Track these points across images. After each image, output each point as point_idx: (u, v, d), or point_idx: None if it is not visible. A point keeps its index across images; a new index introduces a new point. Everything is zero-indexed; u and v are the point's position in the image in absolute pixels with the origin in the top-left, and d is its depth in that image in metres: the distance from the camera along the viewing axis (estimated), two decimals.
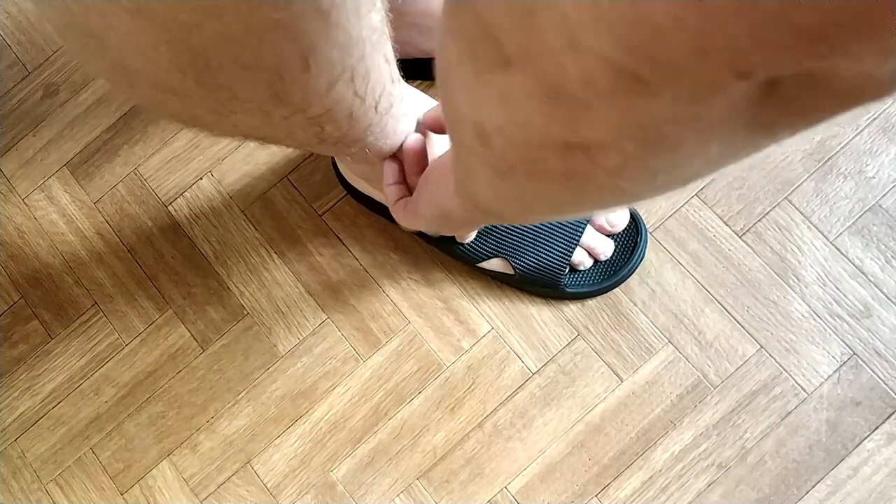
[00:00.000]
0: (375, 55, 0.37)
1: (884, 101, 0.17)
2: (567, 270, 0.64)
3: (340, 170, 0.67)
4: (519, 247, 0.62)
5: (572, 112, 0.19)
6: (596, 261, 0.65)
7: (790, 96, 0.18)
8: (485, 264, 0.64)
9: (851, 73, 0.16)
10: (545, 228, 0.62)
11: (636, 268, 0.64)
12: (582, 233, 0.62)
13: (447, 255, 0.67)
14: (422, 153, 0.51)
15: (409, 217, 0.51)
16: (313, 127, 0.40)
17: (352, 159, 0.58)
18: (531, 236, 0.62)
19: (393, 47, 0.39)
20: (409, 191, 0.54)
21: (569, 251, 0.62)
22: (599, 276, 0.64)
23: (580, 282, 0.64)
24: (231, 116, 0.37)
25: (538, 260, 0.62)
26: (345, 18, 0.32)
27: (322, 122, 0.39)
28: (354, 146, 0.46)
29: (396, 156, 0.53)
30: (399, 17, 0.52)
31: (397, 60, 0.41)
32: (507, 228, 0.62)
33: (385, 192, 0.54)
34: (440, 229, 0.51)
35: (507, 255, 0.63)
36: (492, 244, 0.63)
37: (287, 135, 0.40)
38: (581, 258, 0.64)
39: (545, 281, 0.63)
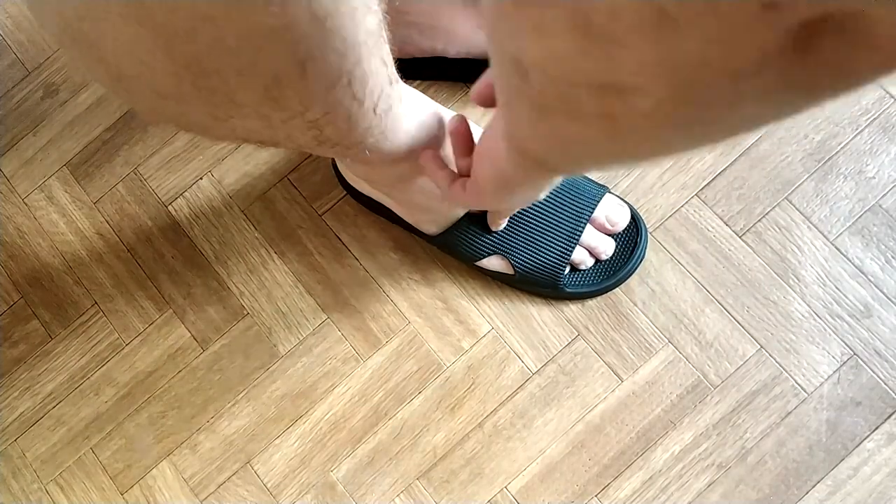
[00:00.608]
0: (372, 58, 0.37)
1: None
2: (567, 269, 0.64)
3: (340, 170, 0.67)
4: (518, 245, 0.62)
5: (603, 47, 0.20)
6: (597, 260, 0.65)
7: (826, 51, 0.18)
8: (485, 263, 0.64)
9: (890, 23, 0.15)
10: (545, 227, 0.62)
11: (636, 268, 0.64)
12: (582, 231, 0.62)
13: (447, 255, 0.67)
14: (468, 131, 0.50)
15: (473, 196, 0.50)
16: (312, 130, 0.40)
17: (352, 160, 0.58)
18: (531, 234, 0.62)
19: (391, 48, 0.40)
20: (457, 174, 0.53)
21: (569, 249, 0.62)
22: (599, 276, 0.64)
23: (580, 282, 0.64)
24: (228, 121, 0.37)
25: (538, 258, 0.62)
26: (340, 24, 0.32)
27: (320, 125, 0.39)
28: (354, 148, 0.46)
29: (429, 146, 0.53)
30: (398, 16, 0.52)
31: (397, 60, 0.42)
32: (508, 227, 0.62)
33: (435, 179, 0.53)
34: (503, 201, 0.50)
35: (506, 252, 0.63)
36: (491, 242, 0.63)
37: (286, 137, 0.41)
38: (581, 257, 0.64)
39: (545, 280, 0.63)
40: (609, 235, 0.64)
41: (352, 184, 0.67)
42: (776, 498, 0.61)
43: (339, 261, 0.69)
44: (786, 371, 0.62)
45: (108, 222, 0.74)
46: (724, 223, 0.65)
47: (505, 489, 0.63)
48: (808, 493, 0.60)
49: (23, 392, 0.71)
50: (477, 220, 0.62)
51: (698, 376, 0.63)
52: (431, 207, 0.61)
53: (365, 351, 0.67)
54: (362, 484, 0.65)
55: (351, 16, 0.33)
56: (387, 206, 0.65)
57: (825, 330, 0.63)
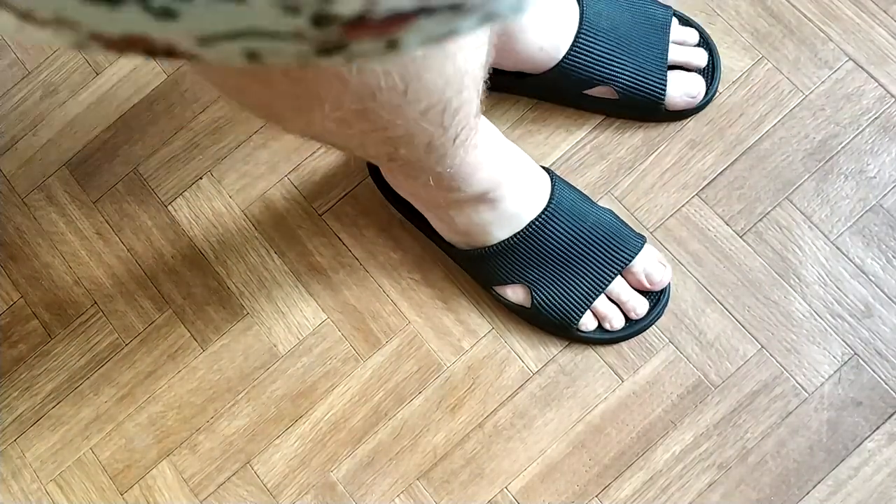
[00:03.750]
0: (472, 89, 0.36)
1: None
2: (585, 316, 0.62)
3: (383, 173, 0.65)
4: (543, 277, 0.61)
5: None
6: (626, 319, 0.62)
7: None
8: (503, 290, 0.63)
9: None
10: (574, 266, 0.60)
11: (650, 326, 0.63)
12: (610, 281, 0.60)
13: (451, 257, 0.67)
14: None
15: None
16: (387, 146, 0.39)
17: (404, 177, 0.56)
18: (558, 270, 0.60)
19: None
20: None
21: (592, 296, 0.60)
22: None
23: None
24: (309, 114, 0.36)
25: (559, 296, 0.61)
26: (457, 49, 0.32)
27: (398, 144, 0.38)
28: (421, 174, 0.45)
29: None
30: None
31: None
32: (537, 258, 0.60)
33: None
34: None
35: (529, 282, 0.61)
36: (516, 269, 0.61)
37: (359, 146, 0.40)
38: (609, 312, 0.61)
39: (559, 321, 0.62)
40: (641, 293, 0.62)
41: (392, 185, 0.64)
42: (777, 498, 0.61)
43: (339, 261, 0.69)
44: (786, 371, 0.62)
45: (107, 222, 0.73)
46: (725, 223, 0.65)
47: (505, 489, 0.63)
48: (808, 493, 0.60)
49: (23, 392, 0.71)
50: (510, 248, 0.60)
51: (699, 376, 0.63)
52: (470, 232, 0.60)
53: (365, 351, 0.67)
54: (362, 484, 0.65)
55: (468, 43, 0.32)
56: (422, 212, 0.63)
57: (826, 330, 0.62)
